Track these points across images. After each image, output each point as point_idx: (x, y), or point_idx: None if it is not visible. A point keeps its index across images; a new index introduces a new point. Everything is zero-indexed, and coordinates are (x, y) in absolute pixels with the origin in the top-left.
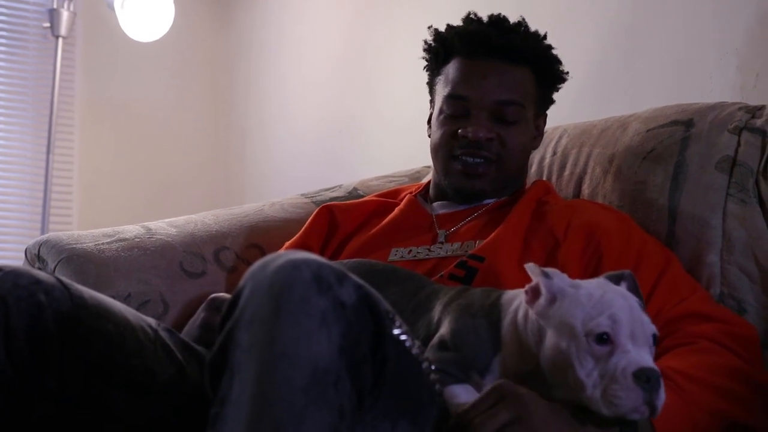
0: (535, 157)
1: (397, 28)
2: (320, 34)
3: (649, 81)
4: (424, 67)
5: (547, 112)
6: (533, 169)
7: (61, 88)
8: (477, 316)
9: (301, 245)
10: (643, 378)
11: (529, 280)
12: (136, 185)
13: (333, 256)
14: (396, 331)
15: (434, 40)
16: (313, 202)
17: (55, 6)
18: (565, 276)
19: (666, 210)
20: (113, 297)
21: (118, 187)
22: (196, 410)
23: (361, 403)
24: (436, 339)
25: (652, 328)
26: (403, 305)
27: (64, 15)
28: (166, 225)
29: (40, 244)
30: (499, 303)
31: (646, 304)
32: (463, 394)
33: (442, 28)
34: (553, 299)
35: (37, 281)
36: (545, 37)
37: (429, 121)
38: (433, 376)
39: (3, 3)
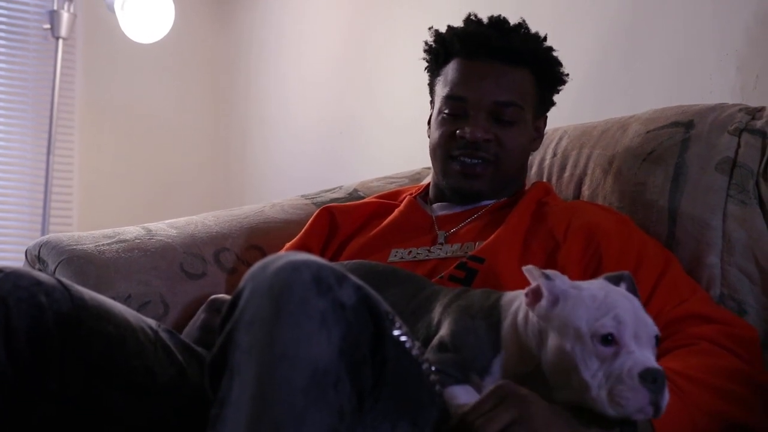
0: (535, 158)
1: (397, 28)
2: (320, 34)
3: (649, 82)
4: (425, 68)
5: (548, 113)
6: (533, 171)
7: (61, 89)
8: (477, 318)
9: (301, 246)
10: (650, 378)
11: (529, 281)
12: (137, 186)
13: (333, 258)
14: (396, 332)
15: (434, 41)
16: (313, 203)
17: (55, 7)
18: (565, 278)
19: (666, 211)
20: (113, 298)
21: (118, 188)
22: (197, 411)
23: (361, 404)
24: (435, 340)
25: (655, 329)
26: (403, 306)
27: (65, 16)
28: (167, 226)
29: (41, 246)
30: (498, 304)
31: (646, 305)
32: (463, 395)
33: (443, 29)
34: (555, 301)
35: (38, 282)
36: (545, 38)
37: (429, 122)
38: (433, 377)
39: (3, 4)
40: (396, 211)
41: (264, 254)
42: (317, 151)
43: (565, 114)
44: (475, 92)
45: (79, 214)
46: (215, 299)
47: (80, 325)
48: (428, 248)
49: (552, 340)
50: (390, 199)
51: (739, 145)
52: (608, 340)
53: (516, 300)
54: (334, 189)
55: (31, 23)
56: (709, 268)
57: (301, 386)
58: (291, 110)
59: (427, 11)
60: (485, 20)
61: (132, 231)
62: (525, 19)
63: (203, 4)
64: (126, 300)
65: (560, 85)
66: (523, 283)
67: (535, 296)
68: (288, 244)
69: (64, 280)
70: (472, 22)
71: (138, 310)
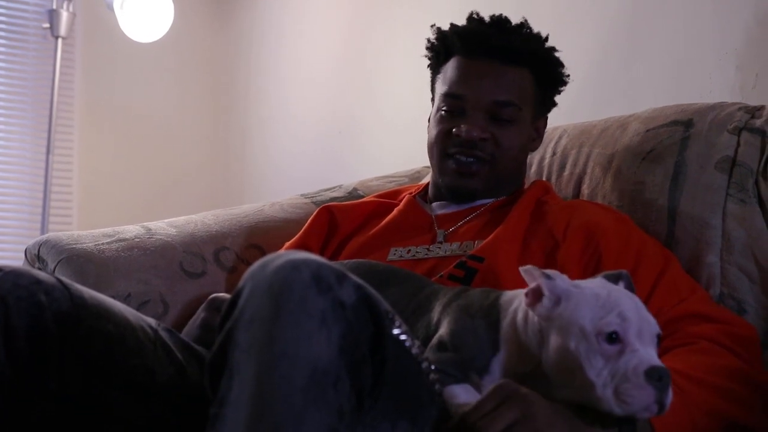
0: (535, 157)
1: (397, 28)
2: (320, 33)
3: (648, 81)
4: (428, 65)
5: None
6: (533, 169)
7: (60, 88)
8: (476, 317)
9: (300, 245)
10: (655, 376)
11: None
12: (136, 185)
13: (333, 257)
14: (396, 331)
15: (436, 38)
16: (312, 202)
17: (54, 7)
18: (565, 277)
19: (665, 210)
20: (113, 297)
21: (117, 187)
22: (196, 410)
23: (360, 403)
24: (435, 340)
25: (657, 328)
26: (403, 306)
27: (64, 15)
28: (166, 225)
29: (40, 245)
30: (498, 304)
31: (645, 304)
32: (462, 394)
33: (446, 26)
34: (557, 301)
35: (38, 281)
36: (547, 38)
37: (429, 120)
38: (432, 376)
39: (2, 4)
40: (395, 210)
41: (263, 253)
42: (317, 150)
43: (565, 113)
44: (473, 91)
45: (79, 213)
46: (215, 298)
47: (80, 324)
48: (427, 247)
49: (554, 340)
50: (389, 198)
51: (738, 144)
52: (613, 338)
53: (515, 299)
54: (333, 188)
55: (30, 22)
56: (708, 267)
57: (300, 385)
58: (290, 109)
59: (427, 11)
60: (487, 19)
61: (131, 230)
62: (524, 18)
63: (203, 4)
64: (126, 299)
65: (561, 86)
66: (522, 282)
67: (535, 296)
68: (287, 243)
69: (64, 279)
70: (474, 20)
71: (138, 309)
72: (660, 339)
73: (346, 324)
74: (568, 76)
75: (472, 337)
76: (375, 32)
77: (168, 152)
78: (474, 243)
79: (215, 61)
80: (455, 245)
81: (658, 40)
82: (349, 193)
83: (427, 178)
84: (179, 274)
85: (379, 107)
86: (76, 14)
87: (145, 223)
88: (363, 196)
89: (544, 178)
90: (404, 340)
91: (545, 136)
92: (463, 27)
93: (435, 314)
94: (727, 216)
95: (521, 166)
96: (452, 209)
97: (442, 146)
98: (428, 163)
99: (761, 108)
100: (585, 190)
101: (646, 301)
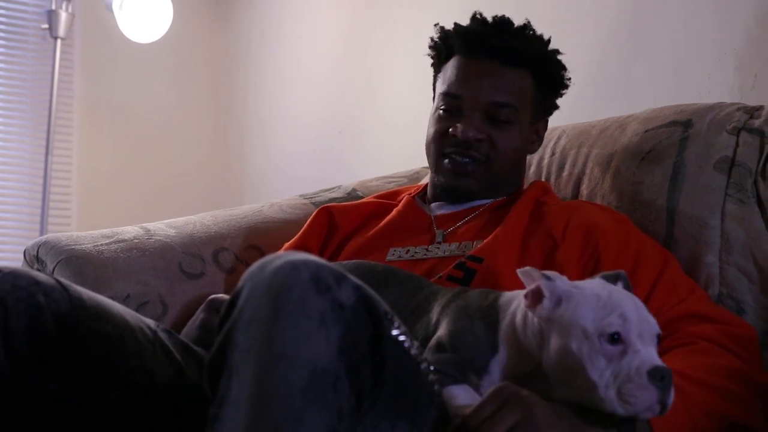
0: (534, 157)
1: (397, 28)
2: (319, 33)
3: (647, 81)
4: (431, 64)
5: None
6: (532, 170)
7: (59, 89)
8: (475, 318)
9: (300, 246)
10: (658, 376)
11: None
12: (135, 186)
13: (332, 258)
14: (395, 332)
15: (438, 37)
16: (312, 203)
17: (53, 7)
18: (564, 278)
19: (664, 210)
20: (112, 298)
21: (116, 188)
22: (196, 411)
23: (359, 404)
24: (433, 340)
25: (657, 328)
26: (402, 306)
27: (63, 16)
28: (165, 226)
29: (39, 246)
30: (497, 305)
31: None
32: (462, 395)
33: (449, 25)
34: (558, 302)
35: (36, 282)
36: (549, 41)
37: None
38: (431, 376)
39: (1, 4)
40: (394, 211)
41: (263, 254)
42: (316, 150)
43: (564, 113)
44: (471, 91)
45: (78, 214)
46: (214, 299)
47: (79, 325)
48: (426, 247)
49: (555, 341)
50: (388, 198)
51: (737, 144)
52: (615, 338)
53: (514, 300)
54: (332, 189)
55: (29, 23)
56: (707, 267)
57: (299, 386)
58: (290, 110)
59: (427, 11)
60: (490, 20)
61: (130, 231)
62: (524, 18)
63: (202, 4)
64: (124, 300)
65: (562, 90)
66: (521, 282)
67: (535, 298)
68: (287, 244)
69: (63, 280)
70: (476, 20)
71: (137, 310)
72: (660, 339)
73: (345, 325)
74: (570, 79)
75: (471, 338)
76: (375, 32)
77: (167, 152)
78: (473, 243)
79: (215, 62)
80: (454, 246)
81: (657, 40)
82: (348, 193)
83: (426, 179)
84: (178, 275)
85: (379, 107)
86: (75, 15)
87: (143, 224)
88: (362, 197)
89: (543, 179)
90: (403, 341)
91: (544, 136)
92: (465, 27)
93: (434, 315)
94: (725, 216)
95: (519, 167)
96: (451, 210)
97: (439, 145)
98: (427, 164)
99: (760, 108)
100: (584, 190)
101: (646, 302)
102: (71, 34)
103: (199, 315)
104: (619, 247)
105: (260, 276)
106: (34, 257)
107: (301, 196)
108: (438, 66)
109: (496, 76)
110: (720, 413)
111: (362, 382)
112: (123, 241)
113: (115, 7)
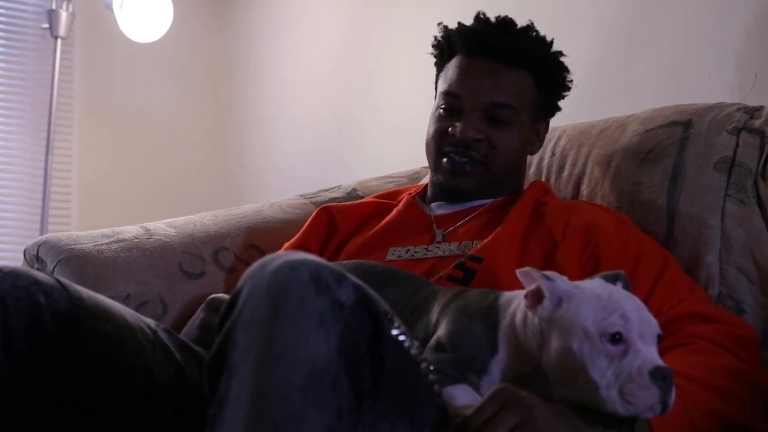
0: (534, 157)
1: (397, 28)
2: (319, 33)
3: (647, 81)
4: (434, 63)
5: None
6: (532, 170)
7: (59, 89)
8: (474, 318)
9: (300, 246)
10: (659, 376)
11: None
12: (135, 186)
13: (332, 257)
14: (394, 332)
15: (442, 36)
16: (312, 202)
17: (53, 7)
18: (564, 278)
19: (664, 210)
20: (112, 298)
21: (117, 187)
22: (196, 410)
23: (359, 403)
24: (433, 340)
25: (658, 328)
26: (402, 306)
27: (63, 16)
28: (165, 226)
29: (39, 245)
30: (496, 305)
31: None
32: (461, 395)
33: (453, 25)
34: (558, 302)
35: (36, 282)
36: (552, 43)
37: None
38: (431, 376)
39: (1, 4)
40: (394, 211)
41: (262, 254)
42: (316, 150)
43: (564, 113)
44: (471, 90)
45: (78, 214)
46: (214, 299)
47: (79, 324)
48: (426, 247)
49: (556, 341)
50: (389, 198)
51: (737, 144)
52: (616, 338)
53: (514, 300)
54: (332, 188)
55: (29, 23)
56: (707, 267)
57: (299, 385)
58: (290, 110)
59: (427, 11)
60: (493, 20)
61: (130, 230)
62: (524, 18)
63: (202, 4)
64: (124, 299)
65: (564, 91)
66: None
67: (535, 298)
68: (287, 244)
69: (63, 279)
70: (480, 20)
71: (136, 310)
72: (660, 339)
73: (344, 324)
74: (572, 81)
75: (470, 338)
76: (375, 32)
77: (167, 152)
78: (473, 243)
79: (215, 61)
80: (454, 245)
81: (657, 40)
82: (348, 193)
83: (426, 179)
84: (178, 275)
85: (378, 107)
86: (76, 14)
87: (144, 224)
88: (362, 197)
89: (543, 179)
90: (403, 341)
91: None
92: (468, 26)
93: (434, 315)
94: (725, 216)
95: (518, 168)
96: (451, 209)
97: (438, 144)
98: (427, 164)
99: (760, 108)
100: (584, 190)
101: (645, 301)
102: (71, 34)
103: (198, 314)
104: (619, 247)
105: (260, 276)
106: (34, 257)
107: (301, 195)
108: (440, 65)
109: (497, 76)
110: (719, 413)
111: (362, 382)
112: (123, 240)
113: (115, 6)
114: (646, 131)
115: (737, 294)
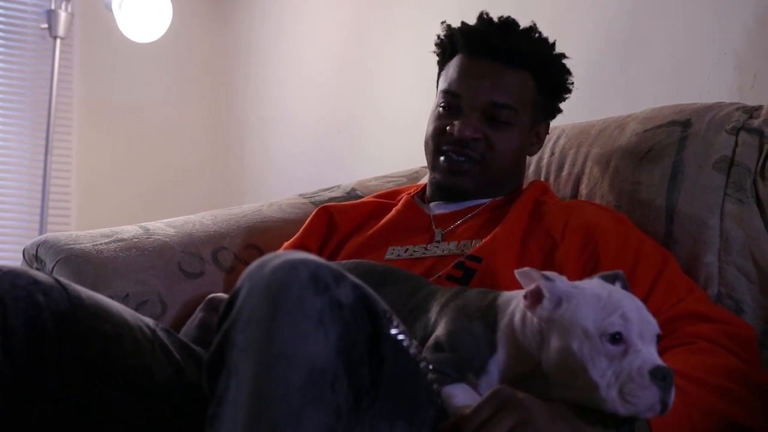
0: (534, 157)
1: (397, 28)
2: (319, 33)
3: (646, 81)
4: (437, 62)
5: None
6: (531, 169)
7: (59, 89)
8: (473, 318)
9: (299, 246)
10: (659, 376)
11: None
12: (135, 186)
13: (331, 257)
14: (393, 331)
15: (444, 35)
16: (311, 202)
17: (52, 7)
18: (564, 278)
19: (663, 210)
20: (111, 297)
21: (116, 187)
22: (195, 410)
23: (358, 403)
24: (432, 340)
25: (657, 328)
26: (401, 306)
27: (62, 16)
28: (164, 225)
29: (38, 245)
30: (495, 304)
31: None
32: (460, 395)
33: (456, 24)
34: (558, 302)
35: (35, 281)
36: (554, 44)
37: None
38: (430, 376)
39: (1, 4)
40: (393, 210)
41: (262, 253)
42: (315, 150)
43: (564, 113)
44: (471, 90)
45: (77, 214)
46: (213, 298)
47: (78, 324)
48: (425, 246)
49: (556, 341)
50: (388, 198)
51: (736, 144)
52: (616, 338)
53: (513, 300)
54: (332, 188)
55: (28, 23)
56: (706, 267)
57: (298, 385)
58: (289, 109)
59: (427, 11)
60: (495, 20)
61: (130, 230)
62: (523, 18)
63: (201, 3)
64: (124, 299)
65: (565, 93)
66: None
67: (535, 298)
68: (286, 244)
69: (62, 279)
70: (483, 20)
71: (136, 309)
72: (659, 339)
73: (343, 324)
74: (573, 83)
75: (469, 338)
76: (375, 32)
77: (167, 152)
78: (472, 242)
79: (214, 61)
80: (453, 244)
81: (656, 40)
82: (348, 193)
83: (426, 179)
84: (177, 275)
85: (378, 107)
86: (75, 14)
87: (143, 224)
88: (361, 197)
89: (542, 178)
90: (402, 340)
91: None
92: (470, 26)
93: (432, 314)
94: (725, 216)
95: (517, 168)
96: (450, 209)
97: (436, 143)
98: (426, 163)
99: (759, 108)
100: (583, 190)
101: (645, 301)
102: (71, 34)
103: (198, 314)
104: (618, 247)
105: (259, 275)
106: (34, 256)
107: (300, 195)
108: (442, 63)
109: (497, 76)
110: (719, 413)
111: (361, 382)
112: (122, 240)
113: (114, 6)
114: (645, 131)
115: (736, 294)
